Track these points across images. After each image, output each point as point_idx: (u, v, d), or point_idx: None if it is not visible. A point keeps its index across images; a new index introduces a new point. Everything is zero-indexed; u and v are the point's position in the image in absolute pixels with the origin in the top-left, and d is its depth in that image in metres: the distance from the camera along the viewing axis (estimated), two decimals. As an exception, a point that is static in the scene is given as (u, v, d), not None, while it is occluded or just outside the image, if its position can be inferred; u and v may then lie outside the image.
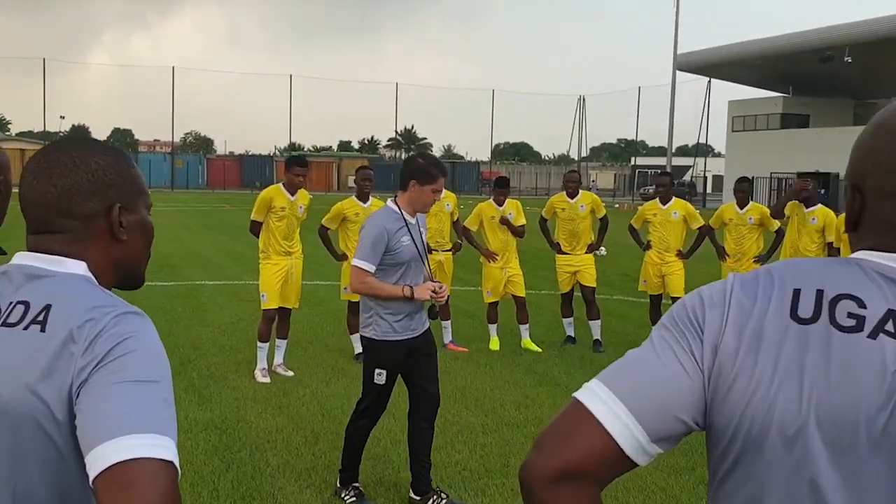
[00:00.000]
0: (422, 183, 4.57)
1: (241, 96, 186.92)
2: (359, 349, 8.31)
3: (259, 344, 7.57)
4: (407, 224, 4.61)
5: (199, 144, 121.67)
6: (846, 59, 45.75)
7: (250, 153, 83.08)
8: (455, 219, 8.98)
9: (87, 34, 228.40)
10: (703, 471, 5.31)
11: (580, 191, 9.33)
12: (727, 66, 58.06)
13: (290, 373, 7.72)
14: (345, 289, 8.25)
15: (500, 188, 8.91)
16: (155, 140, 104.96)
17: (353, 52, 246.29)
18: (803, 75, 55.60)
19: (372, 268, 4.49)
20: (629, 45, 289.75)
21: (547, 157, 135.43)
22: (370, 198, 8.30)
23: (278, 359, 7.81)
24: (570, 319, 9.54)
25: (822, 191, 46.28)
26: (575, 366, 8.43)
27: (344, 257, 8.32)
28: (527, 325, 9.23)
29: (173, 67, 64.84)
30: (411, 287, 4.59)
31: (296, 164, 7.57)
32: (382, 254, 4.49)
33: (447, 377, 7.71)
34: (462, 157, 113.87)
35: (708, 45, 61.92)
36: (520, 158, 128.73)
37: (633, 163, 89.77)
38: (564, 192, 9.36)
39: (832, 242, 8.11)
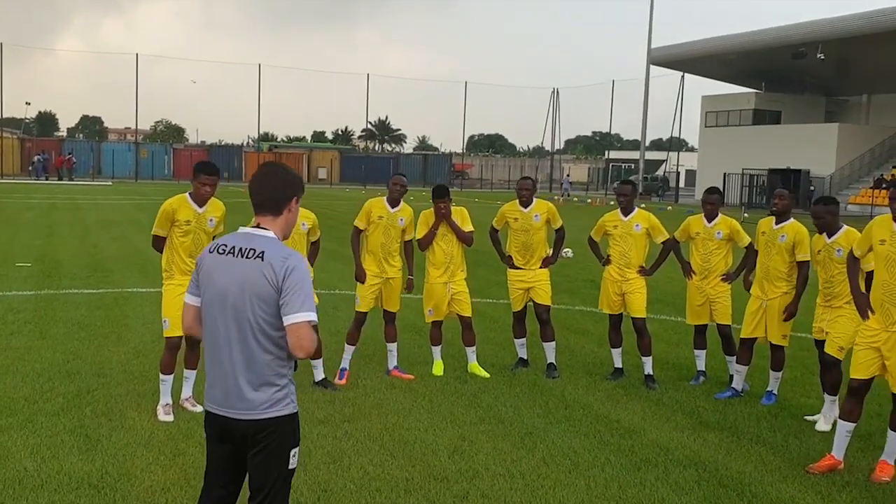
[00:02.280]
0: (300, 198, 3.61)
1: (214, 85, 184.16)
2: (320, 376, 7.51)
3: (162, 377, 6.67)
4: None
5: (170, 133, 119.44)
6: (818, 55, 45.39)
7: (223, 142, 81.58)
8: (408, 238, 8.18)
9: (58, 19, 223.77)
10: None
11: (535, 199, 8.48)
12: (701, 61, 57.62)
13: (199, 408, 6.80)
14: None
15: (439, 198, 8.02)
16: (126, 128, 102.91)
17: (328, 42, 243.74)
18: (776, 71, 55.33)
19: None
20: (604, 38, 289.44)
21: (522, 150, 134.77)
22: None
23: (186, 392, 6.91)
24: (523, 340, 8.71)
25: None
26: (524, 396, 7.60)
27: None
28: (473, 348, 8.38)
29: (137, 55, 63.23)
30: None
31: (202, 170, 6.64)
32: None
33: (377, 412, 6.88)
34: (436, 149, 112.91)
35: (682, 40, 61.35)
36: (494, 150, 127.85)
37: (606, 156, 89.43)
38: (517, 201, 8.51)
39: (806, 261, 7.34)
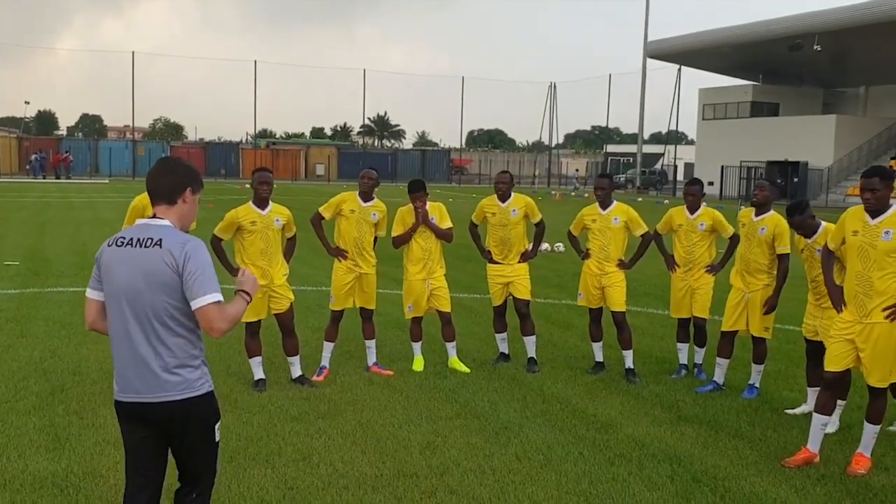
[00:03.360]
0: (196, 190, 3.64)
1: (213, 83, 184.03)
2: (259, 375, 7.40)
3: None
4: None
5: (169, 131, 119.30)
6: (815, 47, 45.23)
7: (221, 140, 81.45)
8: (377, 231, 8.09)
9: (58, 19, 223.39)
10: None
11: (512, 193, 8.41)
12: (698, 54, 57.44)
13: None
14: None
15: (414, 192, 7.95)
16: (125, 126, 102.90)
17: (326, 39, 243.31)
18: (773, 63, 55.15)
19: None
20: (600, 31, 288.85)
21: (521, 144, 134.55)
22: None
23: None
24: (504, 335, 8.64)
25: (780, 181, 45.90)
26: (503, 391, 7.54)
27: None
28: (453, 343, 8.32)
29: (133, 52, 63.16)
30: (244, 290, 3.68)
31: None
32: None
33: (352, 409, 6.83)
34: (436, 145, 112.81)
35: (679, 33, 61.15)
36: (493, 146, 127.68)
37: (605, 150, 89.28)
38: (495, 196, 8.44)
39: (786, 253, 7.26)
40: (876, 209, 5.55)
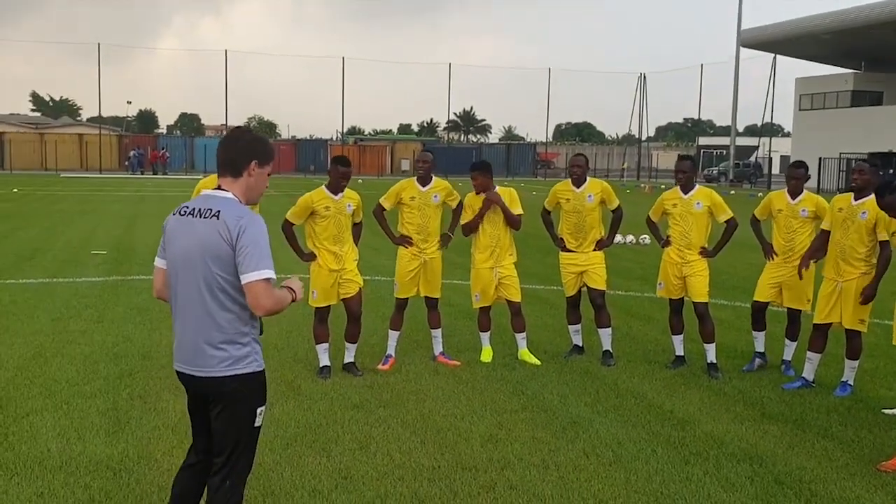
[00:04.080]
0: (262, 163, 3.53)
1: (304, 81, 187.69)
2: (325, 362, 7.27)
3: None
4: None
5: (262, 129, 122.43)
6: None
7: (313, 137, 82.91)
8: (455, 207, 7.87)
9: (159, 20, 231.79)
10: None
11: (588, 178, 8.03)
12: (794, 42, 55.10)
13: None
14: (313, 293, 7.22)
15: (472, 171, 7.66)
16: (221, 125, 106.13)
17: (414, 33, 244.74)
18: (876, 50, 52.35)
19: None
20: (692, 20, 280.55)
21: (610, 138, 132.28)
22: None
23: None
24: (578, 326, 8.28)
25: (882, 171, 43.40)
26: (574, 384, 7.19)
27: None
28: (523, 334, 8.01)
29: (226, 51, 64.82)
30: (292, 287, 3.60)
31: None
32: None
33: (415, 398, 6.62)
34: (522, 139, 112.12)
35: (774, 20, 58.78)
36: (582, 139, 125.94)
37: (697, 143, 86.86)
38: (569, 180, 8.08)
39: (887, 241, 6.66)
40: None
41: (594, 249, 8.02)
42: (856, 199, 6.89)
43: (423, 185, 7.67)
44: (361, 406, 6.40)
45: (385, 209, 7.69)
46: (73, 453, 5.32)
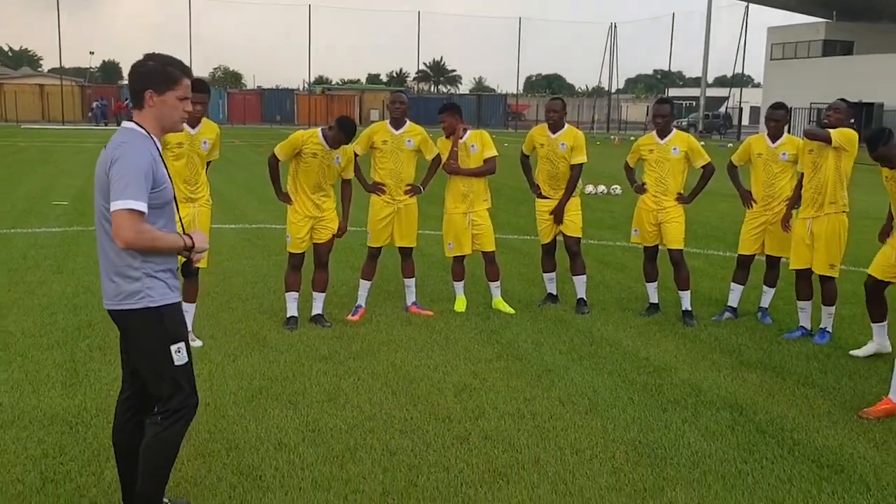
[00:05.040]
0: (160, 91, 3.37)
1: (270, 30, 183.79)
2: (292, 312, 7.02)
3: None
4: (160, 152, 3.44)
5: (228, 79, 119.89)
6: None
7: (279, 87, 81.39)
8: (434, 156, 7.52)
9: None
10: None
11: (565, 124, 7.78)
12: (767, -10, 54.68)
13: (199, 342, 6.44)
14: (287, 237, 6.96)
15: (443, 112, 7.35)
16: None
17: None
18: (849, -2, 52.15)
19: (146, 209, 3.24)
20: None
21: (580, 89, 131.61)
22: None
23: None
24: (552, 274, 8.10)
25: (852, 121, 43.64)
26: (548, 332, 7.04)
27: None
28: (497, 283, 7.82)
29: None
30: (190, 235, 3.49)
31: (192, 89, 6.10)
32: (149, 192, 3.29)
33: (386, 349, 6.42)
34: (493, 90, 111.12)
35: (747, -32, 58.32)
36: (552, 91, 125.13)
37: (666, 94, 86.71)
38: (546, 125, 7.82)
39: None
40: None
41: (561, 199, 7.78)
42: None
43: (397, 129, 7.34)
44: (330, 357, 6.18)
45: (357, 154, 7.36)
46: (26, 407, 5.06)
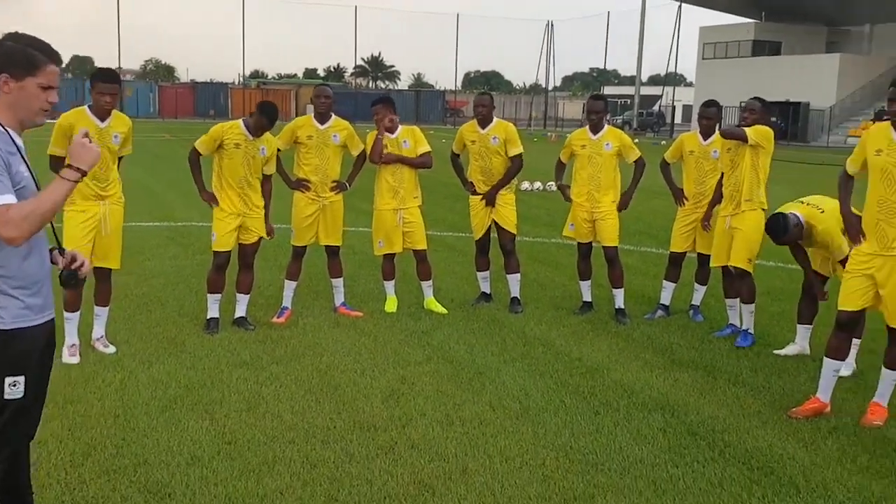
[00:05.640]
0: (18, 76, 2.87)
1: (204, 22, 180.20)
2: (213, 313, 6.71)
3: (66, 315, 5.89)
4: (18, 148, 2.90)
5: (160, 73, 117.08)
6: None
7: (213, 81, 79.83)
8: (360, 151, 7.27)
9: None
10: None
11: (495, 118, 7.63)
12: (698, -10, 55.76)
13: (112, 349, 6.09)
14: (212, 235, 6.65)
15: (376, 105, 7.14)
16: (117, 68, 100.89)
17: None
18: (776, 0, 53.55)
19: (14, 199, 2.75)
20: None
21: (518, 87, 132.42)
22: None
23: (97, 331, 6.16)
24: (486, 273, 7.95)
25: (775, 119, 44.95)
26: (481, 333, 6.88)
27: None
28: (430, 282, 7.63)
29: (117, -11, 61.17)
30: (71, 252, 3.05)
31: (100, 79, 5.78)
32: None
33: (311, 353, 6.17)
34: (431, 86, 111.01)
35: (680, -32, 59.33)
36: (490, 87, 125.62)
37: (602, 92, 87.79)
38: (475, 121, 7.66)
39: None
40: (905, 123, 4.80)
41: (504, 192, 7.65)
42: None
43: (322, 123, 7.07)
44: (252, 363, 5.90)
45: (280, 150, 7.08)
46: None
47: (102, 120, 5.83)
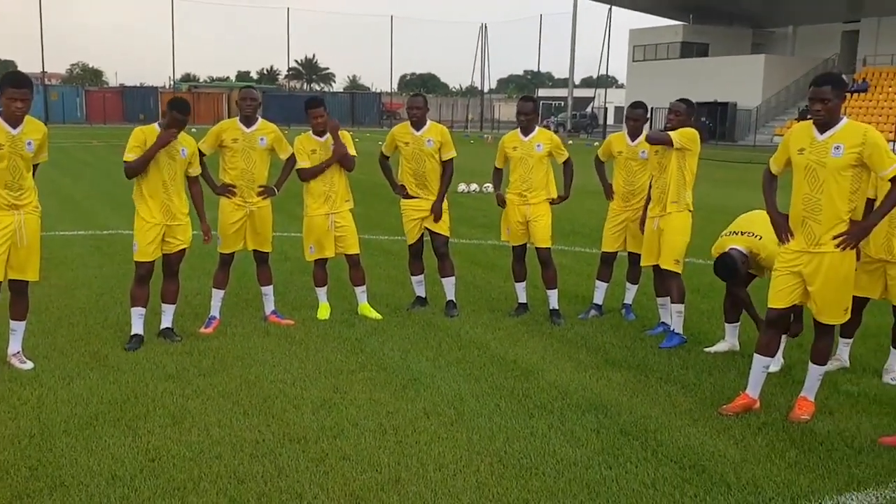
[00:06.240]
0: None
1: (133, 24, 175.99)
2: (137, 329, 6.44)
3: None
4: None
5: (88, 76, 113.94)
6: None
7: (144, 85, 77.99)
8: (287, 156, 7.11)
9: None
10: None
11: (429, 122, 7.56)
12: (628, -8, 56.72)
13: (29, 364, 5.82)
14: (134, 245, 6.40)
15: (314, 108, 6.96)
16: (40, 72, 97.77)
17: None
18: (703, 3, 54.82)
19: None
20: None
21: (454, 89, 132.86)
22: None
23: (13, 347, 5.88)
24: (420, 277, 7.87)
25: (704, 119, 46.07)
26: (416, 338, 6.79)
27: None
28: (363, 287, 7.52)
29: (40, -9, 59.27)
30: None
31: (10, 84, 5.51)
32: None
33: (241, 364, 6.00)
34: (367, 88, 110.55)
35: (610, -29, 60.22)
36: (427, 90, 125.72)
37: (536, 95, 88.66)
38: (409, 123, 7.58)
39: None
40: (825, 122, 4.90)
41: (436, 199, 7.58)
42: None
43: (248, 126, 6.90)
44: (178, 376, 5.71)
45: (204, 154, 6.88)
46: None
47: (14, 126, 5.56)
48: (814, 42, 55.02)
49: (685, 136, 6.62)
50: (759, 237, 6.06)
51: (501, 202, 7.60)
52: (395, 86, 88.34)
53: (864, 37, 51.81)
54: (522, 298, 7.72)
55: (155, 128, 6.29)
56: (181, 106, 6.22)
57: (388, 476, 4.24)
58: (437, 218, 7.53)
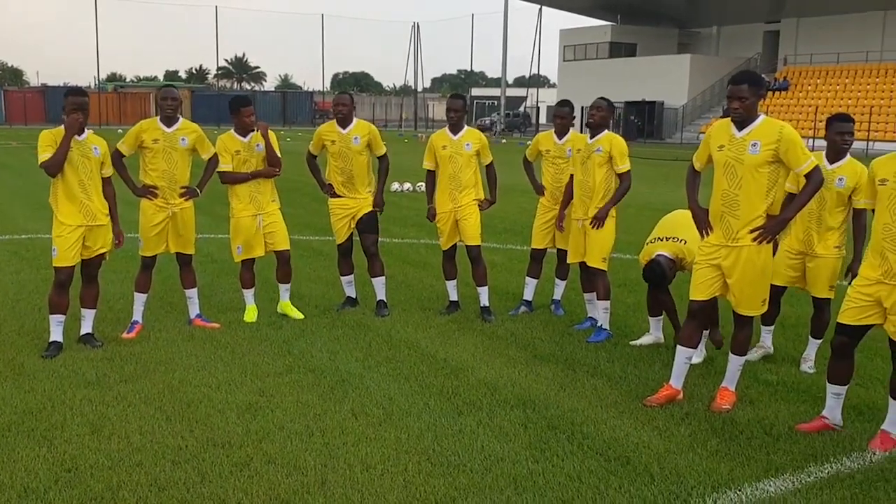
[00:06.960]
0: None
1: (56, 22, 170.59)
2: (56, 336, 6.20)
3: None
4: None
5: (7, 76, 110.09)
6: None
7: (67, 84, 75.59)
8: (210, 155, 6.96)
9: None
10: None
11: (355, 119, 7.50)
12: (558, -7, 57.40)
13: (-62, 376, 5.57)
14: (53, 250, 6.13)
15: (244, 107, 6.90)
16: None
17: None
18: (631, 3, 55.87)
19: None
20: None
21: (388, 88, 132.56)
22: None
23: (-80, 357, 5.62)
24: (350, 277, 7.80)
25: (633, 117, 47.01)
26: (345, 339, 6.73)
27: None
28: (287, 286, 7.41)
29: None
30: None
31: None
32: None
33: (164, 369, 5.85)
34: (299, 87, 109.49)
35: (540, -29, 60.86)
36: (360, 89, 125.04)
37: (469, 94, 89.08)
38: (335, 121, 7.50)
39: (627, 171, 6.82)
40: (743, 120, 5.03)
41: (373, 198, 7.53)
42: (591, 137, 6.91)
43: (169, 126, 6.73)
44: (98, 382, 5.53)
45: (123, 155, 6.69)
46: None
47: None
48: (737, 42, 56.60)
49: (615, 147, 6.78)
50: (683, 241, 6.18)
51: (432, 216, 7.57)
52: (327, 85, 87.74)
53: (784, 37, 53.56)
54: (454, 296, 7.72)
55: (62, 129, 6.08)
56: (76, 89, 6.13)
57: (314, 479, 4.18)
58: (381, 209, 7.54)
